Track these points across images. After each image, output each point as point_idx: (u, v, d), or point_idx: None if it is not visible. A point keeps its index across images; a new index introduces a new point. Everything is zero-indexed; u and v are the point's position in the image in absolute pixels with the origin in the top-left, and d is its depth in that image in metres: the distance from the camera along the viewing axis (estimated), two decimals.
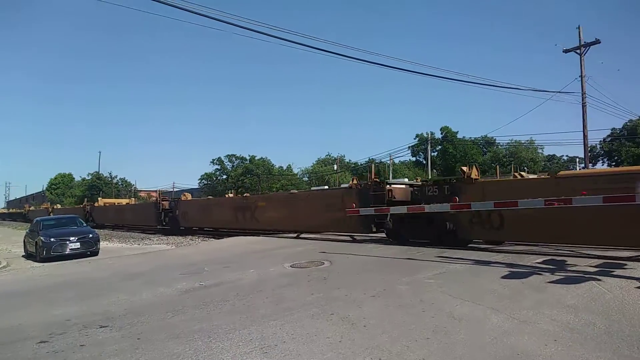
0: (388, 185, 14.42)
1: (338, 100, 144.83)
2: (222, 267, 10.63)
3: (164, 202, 28.03)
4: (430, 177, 53.57)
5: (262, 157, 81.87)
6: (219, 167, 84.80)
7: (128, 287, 8.93)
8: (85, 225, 19.14)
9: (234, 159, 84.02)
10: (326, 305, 6.37)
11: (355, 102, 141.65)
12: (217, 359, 4.58)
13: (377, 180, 15.12)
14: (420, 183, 14.37)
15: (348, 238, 15.86)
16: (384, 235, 14.48)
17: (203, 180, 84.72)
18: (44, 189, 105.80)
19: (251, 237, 18.61)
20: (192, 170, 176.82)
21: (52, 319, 6.70)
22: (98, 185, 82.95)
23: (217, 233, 23.23)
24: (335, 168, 69.72)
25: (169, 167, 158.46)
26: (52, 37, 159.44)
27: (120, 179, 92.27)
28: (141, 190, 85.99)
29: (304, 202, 18.62)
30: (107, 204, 41.71)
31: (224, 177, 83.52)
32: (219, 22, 12.95)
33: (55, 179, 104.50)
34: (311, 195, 19.32)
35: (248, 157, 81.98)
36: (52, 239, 15.94)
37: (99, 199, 47.45)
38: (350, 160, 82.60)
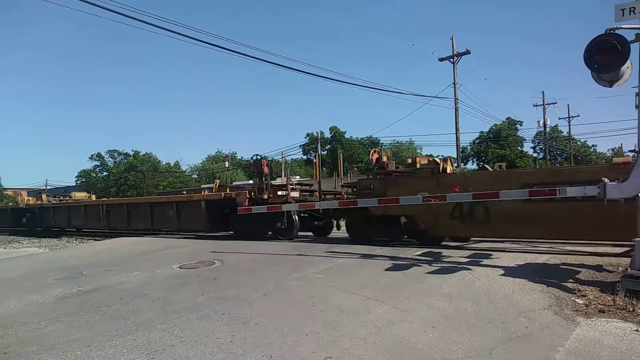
0: None
1: (228, 95, 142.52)
2: (103, 271, 9.95)
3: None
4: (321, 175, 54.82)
5: (147, 153, 78.00)
6: (98, 163, 79.36)
7: None
8: None
9: (115, 154, 79.11)
10: (217, 306, 6.27)
11: (246, 98, 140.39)
12: None
13: None
14: None
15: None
16: None
17: (81, 178, 78.76)
18: None
19: (138, 237, 17.61)
20: (66, 167, 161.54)
21: None
22: None
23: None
24: (226, 165, 68.58)
25: (39, 163, 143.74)
26: None
27: None
28: (7, 189, 77.46)
29: None
30: None
31: (105, 173, 78.40)
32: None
33: None
34: None
35: (132, 153, 77.59)
36: None
37: None
38: (242, 157, 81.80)
